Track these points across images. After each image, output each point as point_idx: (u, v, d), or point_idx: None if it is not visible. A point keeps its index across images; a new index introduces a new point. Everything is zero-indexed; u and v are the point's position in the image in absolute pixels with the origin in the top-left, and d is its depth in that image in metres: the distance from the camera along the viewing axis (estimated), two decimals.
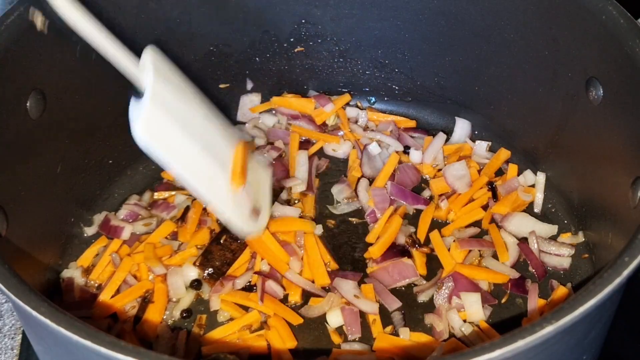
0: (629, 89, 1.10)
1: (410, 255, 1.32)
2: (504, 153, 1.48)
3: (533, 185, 1.43)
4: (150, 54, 1.08)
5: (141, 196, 1.46)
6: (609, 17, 1.13)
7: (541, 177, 1.43)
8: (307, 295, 1.28)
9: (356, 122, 1.57)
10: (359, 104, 1.61)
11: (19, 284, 0.87)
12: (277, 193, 1.41)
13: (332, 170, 1.51)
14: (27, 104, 1.18)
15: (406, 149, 1.50)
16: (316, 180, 1.48)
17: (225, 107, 1.58)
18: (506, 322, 1.25)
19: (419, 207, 1.42)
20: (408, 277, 1.30)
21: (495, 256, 1.33)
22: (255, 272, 1.29)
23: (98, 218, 1.41)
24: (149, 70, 1.07)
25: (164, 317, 1.26)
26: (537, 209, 1.41)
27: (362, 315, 1.25)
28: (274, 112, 1.59)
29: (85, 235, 1.39)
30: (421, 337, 1.22)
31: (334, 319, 1.25)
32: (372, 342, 1.22)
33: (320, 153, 1.53)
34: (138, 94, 1.06)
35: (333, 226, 1.40)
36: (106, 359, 0.78)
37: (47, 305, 0.83)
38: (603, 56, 1.16)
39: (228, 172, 1.19)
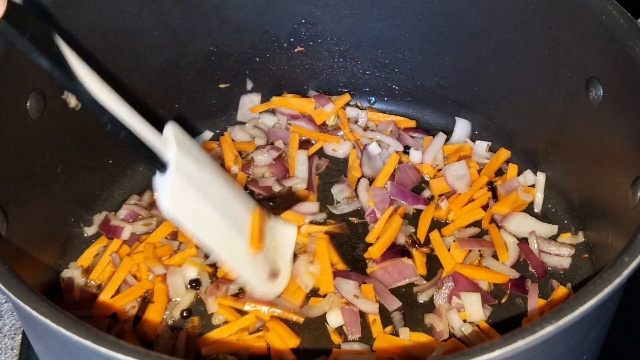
0: (629, 89, 1.10)
1: (410, 255, 1.32)
2: (504, 153, 1.47)
3: (533, 185, 1.43)
4: (171, 129, 1.12)
5: (141, 196, 1.46)
6: (609, 17, 1.13)
7: (541, 177, 1.43)
8: (306, 296, 1.28)
9: (356, 122, 1.57)
10: (359, 104, 1.61)
11: (19, 284, 0.87)
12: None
13: (332, 170, 1.51)
14: (27, 104, 1.18)
15: (406, 149, 1.50)
16: (316, 178, 1.48)
17: (225, 107, 1.58)
18: (506, 322, 1.25)
19: (419, 207, 1.42)
20: (408, 277, 1.30)
21: (495, 256, 1.33)
22: None
23: (98, 218, 1.41)
24: (172, 144, 1.10)
25: (164, 317, 1.26)
26: (537, 209, 1.41)
27: (362, 315, 1.25)
28: (274, 112, 1.59)
29: (85, 235, 1.39)
30: (421, 337, 1.22)
31: (334, 319, 1.25)
32: (372, 342, 1.22)
33: (320, 153, 1.53)
34: (161, 167, 1.09)
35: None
36: (106, 359, 0.78)
37: (47, 305, 0.83)
38: (603, 56, 1.16)
39: (246, 237, 1.22)
